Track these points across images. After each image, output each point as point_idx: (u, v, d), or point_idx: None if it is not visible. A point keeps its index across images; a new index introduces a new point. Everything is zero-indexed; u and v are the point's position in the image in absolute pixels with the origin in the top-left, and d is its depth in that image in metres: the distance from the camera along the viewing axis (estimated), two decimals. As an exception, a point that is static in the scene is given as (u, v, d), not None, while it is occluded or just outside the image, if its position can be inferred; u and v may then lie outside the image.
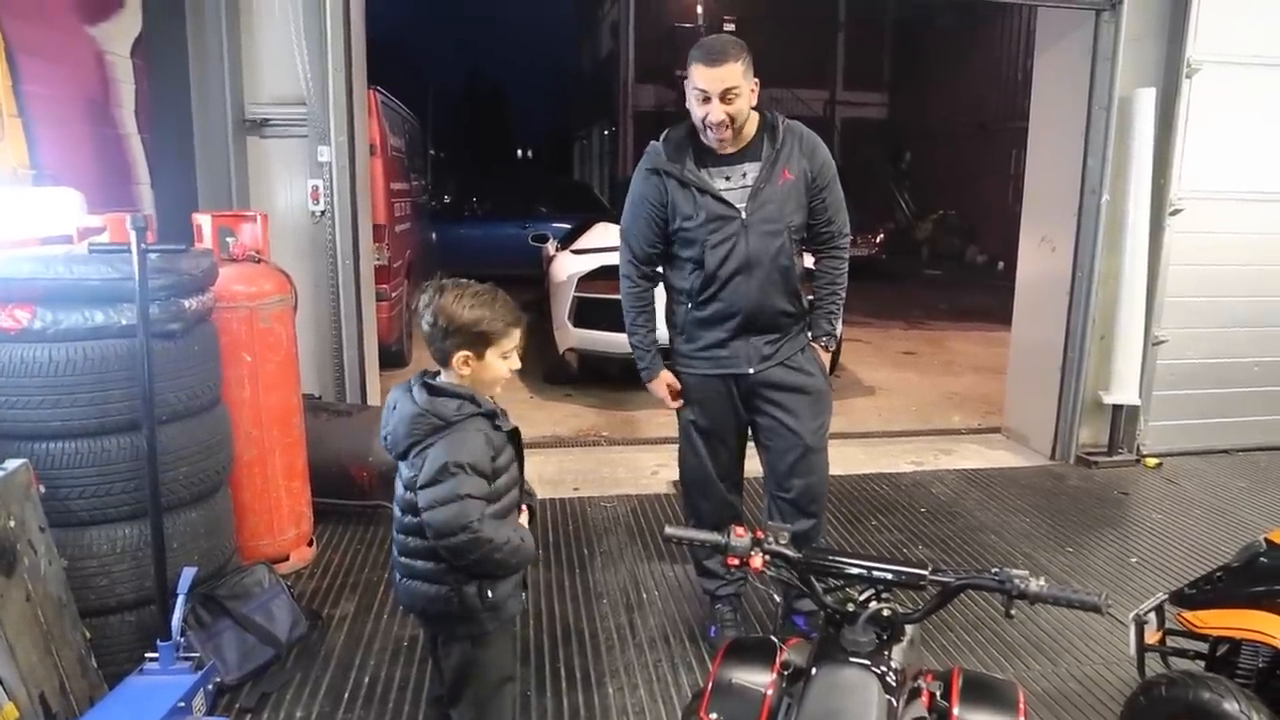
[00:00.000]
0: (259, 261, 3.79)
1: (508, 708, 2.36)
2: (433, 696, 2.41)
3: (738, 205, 3.01)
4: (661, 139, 3.12)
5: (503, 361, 2.14)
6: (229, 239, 3.74)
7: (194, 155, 4.68)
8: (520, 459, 2.23)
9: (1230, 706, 2.28)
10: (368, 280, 5.17)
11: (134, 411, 2.83)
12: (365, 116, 5.32)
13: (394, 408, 2.12)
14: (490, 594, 2.13)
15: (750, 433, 3.32)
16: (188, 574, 2.87)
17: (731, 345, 3.13)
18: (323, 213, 4.84)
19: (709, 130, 2.94)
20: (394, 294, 7.25)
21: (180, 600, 2.83)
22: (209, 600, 3.12)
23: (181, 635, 2.85)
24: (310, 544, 4.07)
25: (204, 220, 3.71)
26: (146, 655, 2.78)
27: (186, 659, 2.82)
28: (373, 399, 5.14)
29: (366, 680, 3.12)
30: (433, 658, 2.36)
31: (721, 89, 2.85)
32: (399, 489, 2.15)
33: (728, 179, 3.04)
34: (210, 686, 2.87)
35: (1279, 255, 5.67)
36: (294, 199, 4.88)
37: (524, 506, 2.25)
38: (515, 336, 2.14)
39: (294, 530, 3.93)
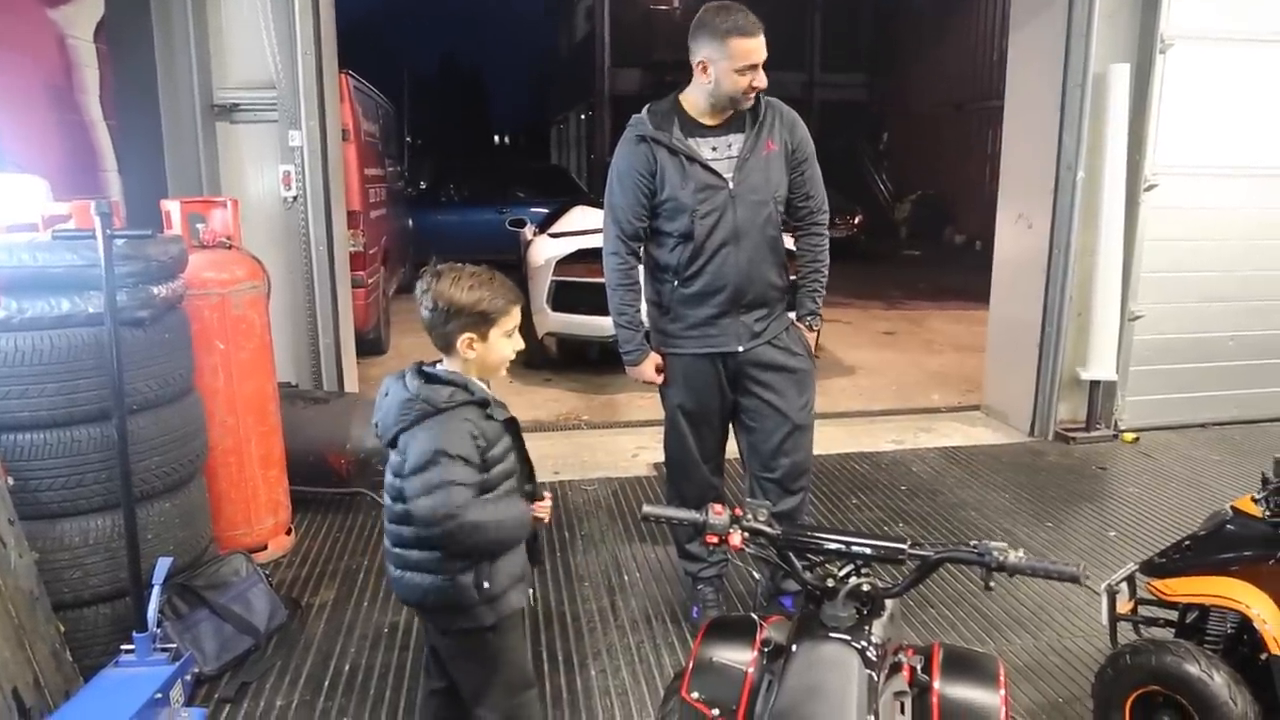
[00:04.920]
0: (230, 248, 3.73)
1: (535, 701, 2.33)
2: (429, 690, 2.36)
3: (726, 175, 3.01)
4: (645, 110, 3.09)
5: (507, 340, 2.12)
6: (199, 225, 3.68)
7: (162, 142, 4.60)
8: (522, 449, 2.18)
9: (1191, 669, 2.34)
10: (342, 267, 5.12)
11: (104, 401, 2.78)
12: (337, 101, 5.26)
13: (386, 394, 2.10)
14: (488, 584, 2.09)
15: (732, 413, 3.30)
16: (163, 564, 2.84)
17: (720, 323, 3.10)
18: (295, 198, 4.78)
19: (742, 102, 2.99)
20: (370, 280, 7.19)
21: (156, 591, 2.81)
22: (185, 590, 3.09)
23: (158, 626, 2.83)
24: (288, 532, 4.03)
25: (173, 206, 3.65)
26: (122, 647, 2.75)
27: (163, 650, 2.79)
28: (350, 386, 5.10)
29: (347, 668, 3.10)
30: (432, 653, 2.32)
31: (763, 56, 2.91)
32: (389, 478, 2.11)
33: (714, 149, 3.04)
34: (188, 677, 2.84)
35: (1253, 230, 5.71)
36: (265, 185, 4.82)
37: (544, 495, 2.22)
38: (516, 314, 2.12)
39: (272, 519, 3.89)
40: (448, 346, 2.09)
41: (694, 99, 3.06)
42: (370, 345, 7.38)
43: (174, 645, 2.86)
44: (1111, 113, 5.28)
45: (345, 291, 5.19)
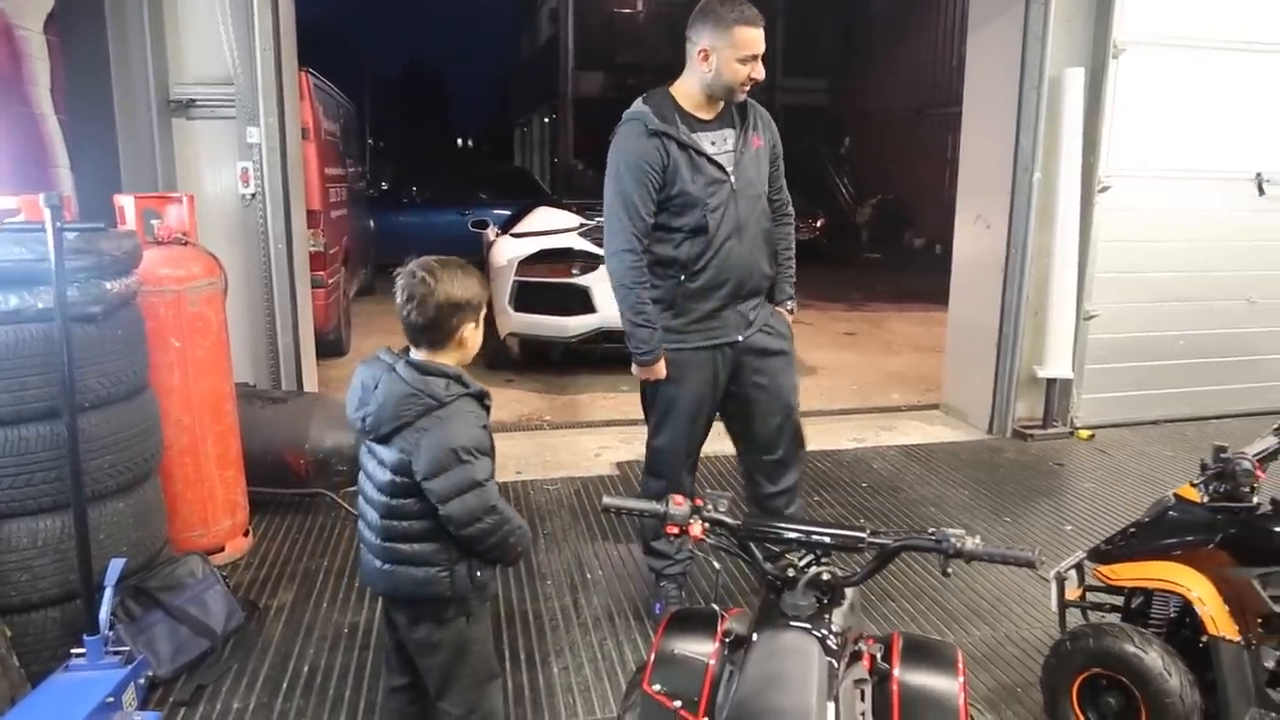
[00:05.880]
0: (186, 244, 3.67)
1: (499, 691, 2.35)
2: (391, 687, 2.35)
3: (727, 169, 3.05)
4: (643, 103, 3.07)
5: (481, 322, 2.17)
6: (154, 221, 3.61)
7: (116, 137, 4.51)
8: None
9: (1127, 647, 2.42)
10: (302, 266, 5.06)
11: (54, 398, 2.72)
12: (296, 98, 5.19)
13: (374, 387, 2.06)
14: (480, 573, 2.14)
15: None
16: (116, 566, 2.79)
17: (722, 315, 3.13)
18: (253, 196, 4.71)
19: (738, 93, 3.02)
20: (330, 281, 7.11)
21: (108, 593, 2.75)
22: (139, 592, 3.03)
23: (110, 629, 2.78)
24: (246, 534, 3.97)
25: (126, 202, 3.58)
26: (72, 651, 2.69)
27: (115, 653, 2.74)
28: (310, 387, 5.04)
29: (306, 669, 3.06)
30: (396, 650, 2.31)
31: (763, 49, 2.96)
32: (379, 474, 2.09)
33: (713, 144, 3.06)
34: (141, 680, 2.80)
35: (1203, 232, 5.84)
36: (223, 182, 4.75)
37: None
38: None
39: (229, 520, 3.83)
40: (445, 340, 2.10)
41: (688, 90, 3.06)
42: (330, 346, 7.30)
43: (127, 648, 2.81)
44: (1066, 116, 5.37)
45: (305, 291, 5.13)
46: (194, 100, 4.65)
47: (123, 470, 3.02)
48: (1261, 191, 5.85)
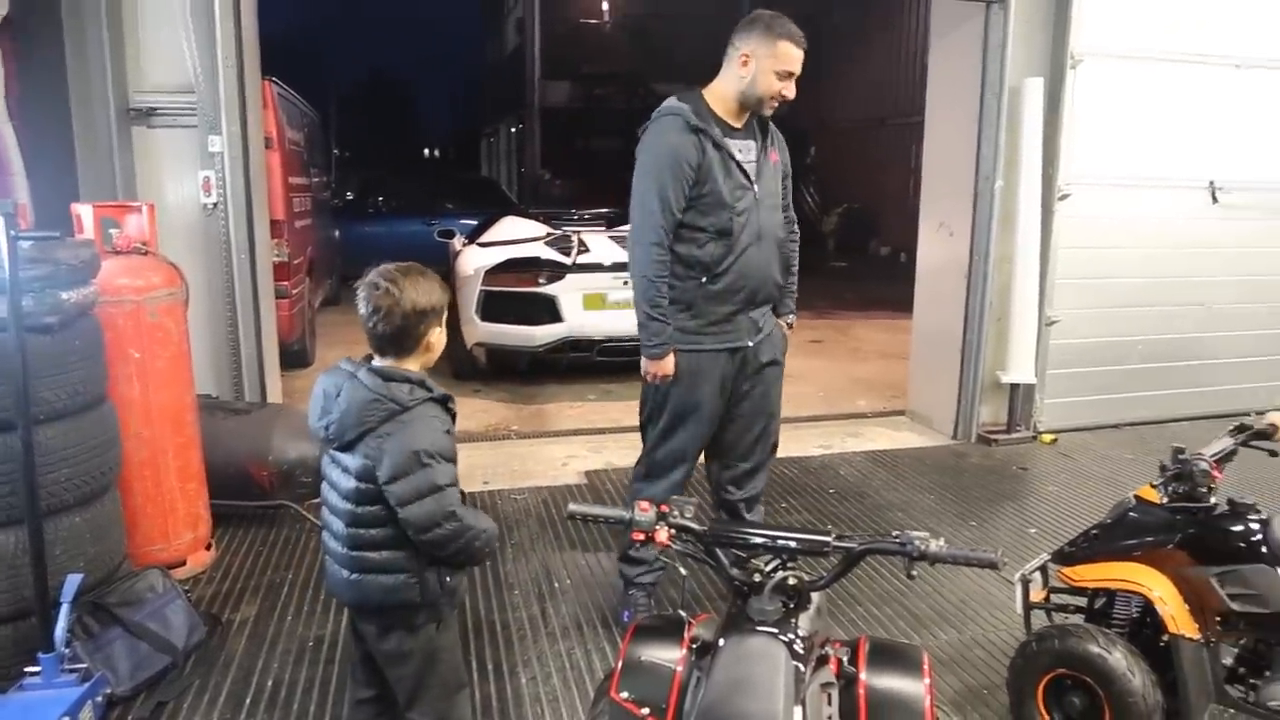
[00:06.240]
0: (146, 254, 3.61)
1: (467, 701, 2.35)
2: (357, 699, 2.33)
3: (752, 177, 3.12)
4: (678, 100, 3.11)
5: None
6: (112, 230, 3.55)
7: (74, 145, 4.43)
8: None
9: (1091, 648, 2.45)
10: (265, 276, 4.99)
11: (7, 410, 2.66)
12: (259, 107, 5.13)
13: (336, 394, 2.05)
14: (449, 579, 2.13)
15: None
16: (72, 581, 2.73)
17: (736, 319, 3.18)
18: (215, 205, 4.65)
19: (766, 105, 3.11)
20: (295, 291, 7.02)
21: (64, 609, 2.69)
22: (97, 608, 2.97)
23: (66, 646, 2.72)
24: (209, 547, 3.91)
25: (84, 211, 3.52)
26: (26, 670, 2.63)
27: (72, 671, 2.68)
28: (273, 398, 4.98)
29: (270, 684, 3.01)
30: (362, 662, 2.28)
31: (799, 71, 3.07)
32: (343, 481, 2.07)
33: (740, 151, 3.12)
34: (100, 698, 2.74)
35: (1159, 239, 5.96)
36: (185, 191, 4.68)
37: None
38: None
39: (190, 534, 3.76)
40: (413, 347, 2.10)
41: (722, 94, 3.12)
42: (295, 357, 7.22)
43: (84, 665, 2.75)
44: (1026, 125, 5.46)
45: (268, 301, 5.06)
46: (154, 108, 4.58)
47: (80, 484, 2.96)
48: (1215, 199, 5.98)
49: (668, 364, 3.13)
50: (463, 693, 2.31)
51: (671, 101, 3.11)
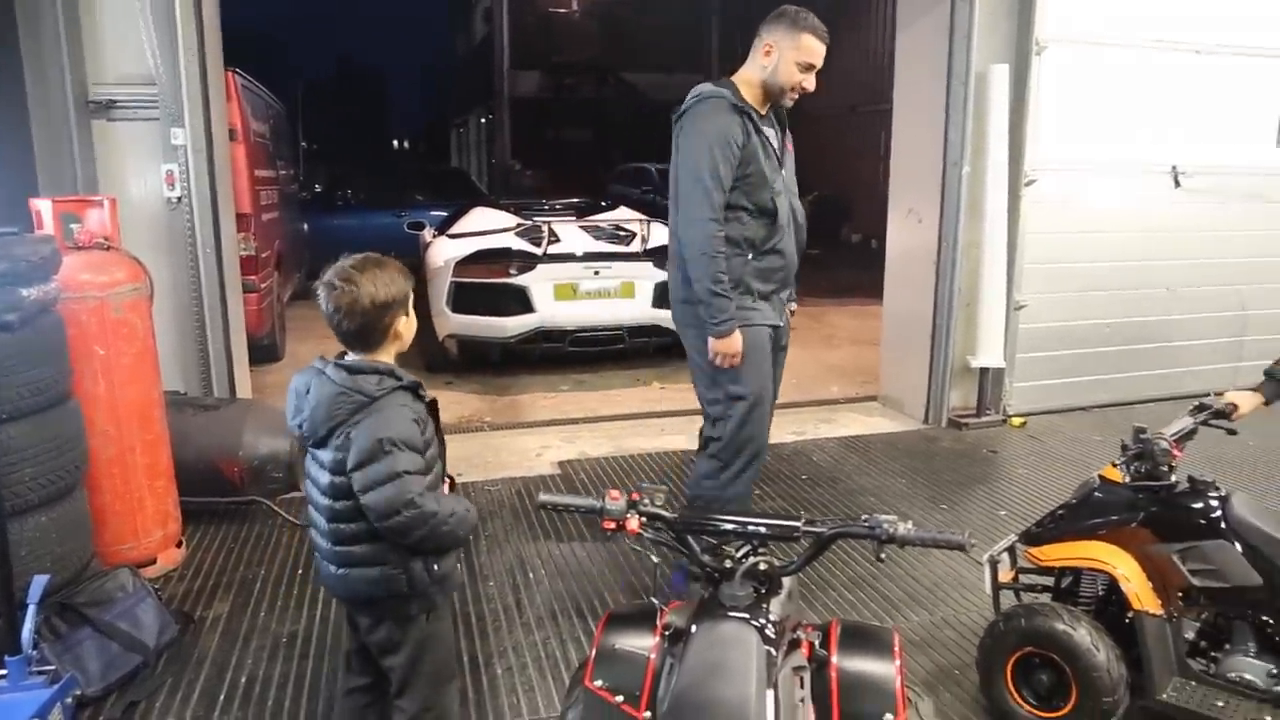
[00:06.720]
0: (109, 249, 3.56)
1: (455, 693, 2.35)
2: (349, 687, 2.33)
3: (779, 161, 3.22)
4: (716, 85, 3.17)
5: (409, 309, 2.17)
6: (73, 225, 3.50)
7: (31, 139, 4.35)
8: (439, 430, 2.19)
9: (1058, 625, 2.50)
10: (232, 270, 4.94)
11: (-32, 410, 2.62)
12: (223, 99, 5.07)
13: (306, 392, 2.06)
14: (437, 566, 2.12)
15: None
16: (39, 582, 2.69)
17: (772, 299, 3.28)
18: (180, 199, 4.59)
19: (787, 96, 3.20)
20: (263, 285, 6.95)
21: (31, 610, 2.65)
22: (65, 609, 2.93)
23: (34, 648, 2.68)
24: (179, 545, 3.87)
25: (43, 206, 3.46)
26: (-7, 672, 2.59)
27: (40, 673, 2.64)
28: (243, 393, 4.93)
29: (244, 680, 3.00)
30: (357, 650, 2.28)
31: (820, 65, 3.17)
32: (321, 477, 2.08)
33: (770, 138, 3.21)
34: (69, 700, 2.70)
35: (1124, 223, 6.04)
36: (148, 185, 4.61)
37: (446, 478, 2.23)
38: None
39: (160, 531, 3.73)
40: (381, 340, 2.10)
41: (748, 82, 3.20)
42: (265, 352, 7.14)
43: (53, 667, 2.71)
44: (993, 111, 5.50)
45: (236, 296, 5.01)
46: (115, 100, 4.51)
47: (45, 483, 2.93)
48: (1177, 184, 6.06)
49: (735, 341, 3.11)
50: (452, 684, 2.32)
51: (709, 86, 3.19)
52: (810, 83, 3.17)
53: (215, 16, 4.77)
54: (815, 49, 3.14)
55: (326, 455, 2.04)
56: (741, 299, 3.16)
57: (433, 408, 2.17)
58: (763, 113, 3.22)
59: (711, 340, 3.12)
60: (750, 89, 3.19)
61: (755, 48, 3.20)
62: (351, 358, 2.09)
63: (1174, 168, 6.03)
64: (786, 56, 3.13)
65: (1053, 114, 5.67)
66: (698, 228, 3.08)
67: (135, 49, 4.43)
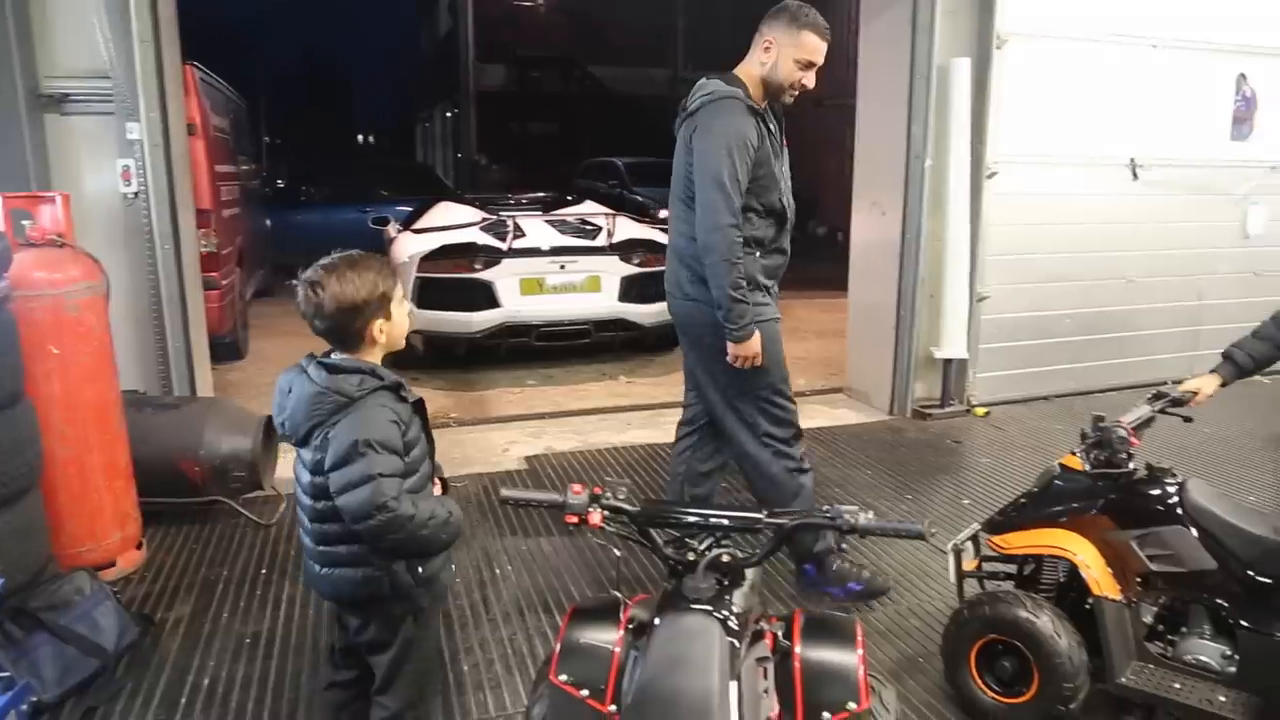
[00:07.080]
0: (62, 246, 3.49)
1: (437, 694, 2.37)
2: (331, 682, 2.32)
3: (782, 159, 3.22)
4: (723, 83, 3.14)
5: (401, 308, 2.13)
6: (25, 222, 3.42)
7: (-20, 134, 4.26)
8: (428, 430, 2.17)
9: (1020, 613, 2.54)
10: (191, 267, 4.86)
11: (-84, 411, 2.56)
12: (180, 93, 4.98)
13: (288, 391, 2.04)
14: (421, 569, 2.10)
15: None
16: (-7, 586, 2.64)
17: (771, 294, 3.32)
18: (136, 195, 4.50)
19: (787, 94, 3.19)
20: (224, 282, 6.85)
21: (-16, 615, 2.60)
22: (20, 614, 2.87)
23: (-12, 653, 2.63)
24: (139, 547, 3.81)
25: (-7, 202, 3.38)
26: (-54, 678, 2.54)
27: (-6, 679, 2.59)
28: (203, 391, 4.86)
29: (206, 683, 2.96)
30: (342, 646, 2.27)
31: (821, 62, 3.17)
32: (303, 476, 2.06)
33: (775, 138, 3.24)
34: (25, 706, 2.65)
35: (1083, 215, 6.13)
36: (103, 181, 4.51)
37: (436, 479, 2.21)
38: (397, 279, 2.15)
39: (119, 533, 3.66)
40: (358, 340, 2.07)
41: (749, 77, 3.18)
42: (227, 350, 7.05)
43: (7, 674, 2.66)
44: (955, 104, 5.55)
45: (196, 293, 4.93)
46: (67, 94, 4.41)
47: (-1, 485, 2.86)
48: (1135, 176, 6.16)
49: (755, 343, 3.15)
50: (433, 685, 2.34)
51: (720, 84, 3.14)
52: (810, 80, 3.16)
53: (171, 8, 4.68)
54: (816, 46, 3.12)
55: (307, 455, 2.03)
56: (753, 295, 3.18)
57: (419, 407, 2.14)
58: (762, 108, 3.22)
59: (731, 345, 3.15)
60: (751, 85, 3.17)
61: (755, 43, 3.17)
62: (336, 356, 2.07)
63: (1132, 160, 6.12)
64: (786, 54, 3.11)
65: (1014, 107, 5.73)
66: (718, 235, 3.04)
67: (89, 41, 4.34)
